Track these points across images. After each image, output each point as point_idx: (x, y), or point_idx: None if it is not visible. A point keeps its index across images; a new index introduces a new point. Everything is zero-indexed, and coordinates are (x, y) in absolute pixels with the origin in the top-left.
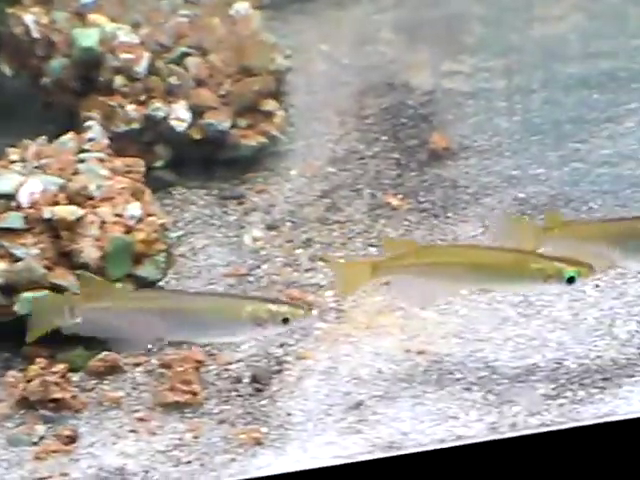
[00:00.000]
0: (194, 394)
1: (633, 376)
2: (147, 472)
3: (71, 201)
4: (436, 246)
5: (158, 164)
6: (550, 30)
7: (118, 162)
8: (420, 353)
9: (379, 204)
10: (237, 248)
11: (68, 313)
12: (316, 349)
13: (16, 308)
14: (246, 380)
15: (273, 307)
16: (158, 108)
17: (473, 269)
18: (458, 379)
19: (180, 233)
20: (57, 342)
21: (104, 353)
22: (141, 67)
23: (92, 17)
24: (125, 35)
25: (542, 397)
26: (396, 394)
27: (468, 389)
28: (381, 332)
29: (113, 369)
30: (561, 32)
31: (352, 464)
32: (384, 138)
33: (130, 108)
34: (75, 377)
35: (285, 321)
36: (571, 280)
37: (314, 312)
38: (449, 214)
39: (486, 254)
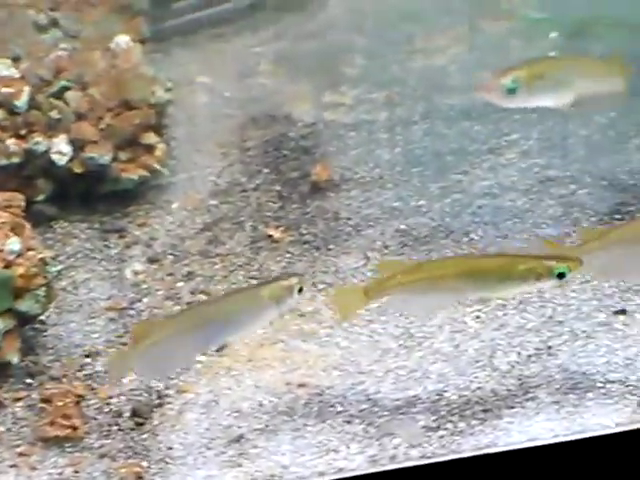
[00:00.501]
0: (74, 428)
1: (513, 407)
2: None
3: None
4: (425, 263)
5: (39, 198)
6: (431, 62)
7: None
8: (301, 386)
9: (261, 237)
10: (118, 282)
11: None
12: (197, 382)
13: None
14: (127, 414)
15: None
16: (39, 142)
17: (463, 279)
18: (339, 412)
19: (61, 267)
20: None
21: None
22: (21, 101)
23: None
24: (5, 69)
25: (423, 429)
26: (277, 427)
27: (349, 422)
28: (262, 365)
29: None
30: (442, 64)
31: None
32: (266, 170)
33: (10, 142)
34: None
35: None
36: (562, 276)
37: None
38: (331, 246)
39: (473, 263)
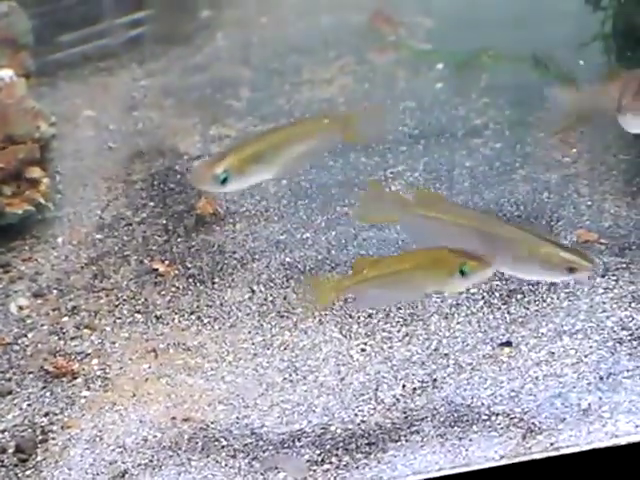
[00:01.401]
0: None
1: (398, 440)
2: None
3: None
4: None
5: None
6: (318, 93)
7: None
8: (186, 420)
9: (146, 270)
10: (3, 316)
11: None
12: (81, 417)
13: None
14: (11, 450)
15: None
16: None
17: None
18: (224, 446)
19: None
20: None
21: None
22: None
23: None
24: None
25: (308, 463)
26: (161, 462)
27: (233, 456)
28: (147, 400)
29: None
30: (329, 95)
31: None
32: (151, 204)
33: None
34: None
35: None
36: (462, 273)
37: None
38: (216, 280)
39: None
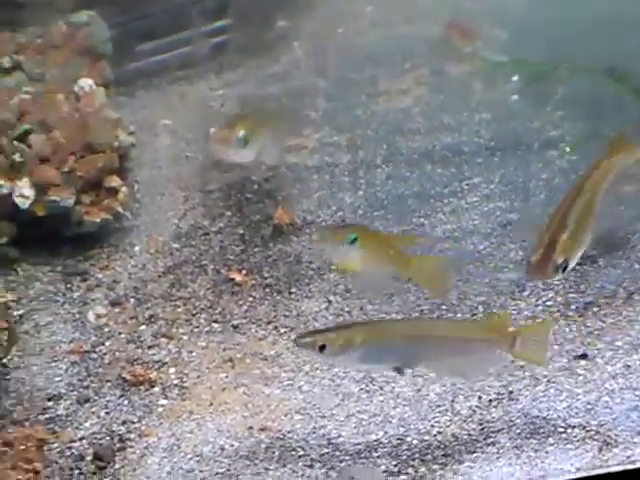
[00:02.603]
0: (36, 472)
1: (474, 452)
2: None
3: None
4: None
5: (1, 241)
6: (394, 104)
7: None
8: (263, 430)
9: (223, 280)
10: (81, 325)
11: None
12: (159, 426)
13: None
14: (89, 458)
15: None
16: (1, 185)
17: None
18: (300, 456)
19: (23, 310)
20: None
21: None
22: None
23: None
24: None
25: (384, 474)
26: (238, 471)
27: (310, 466)
28: (224, 409)
29: None
30: (405, 106)
31: None
32: (229, 213)
33: None
34: None
35: None
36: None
37: None
38: (293, 290)
39: None
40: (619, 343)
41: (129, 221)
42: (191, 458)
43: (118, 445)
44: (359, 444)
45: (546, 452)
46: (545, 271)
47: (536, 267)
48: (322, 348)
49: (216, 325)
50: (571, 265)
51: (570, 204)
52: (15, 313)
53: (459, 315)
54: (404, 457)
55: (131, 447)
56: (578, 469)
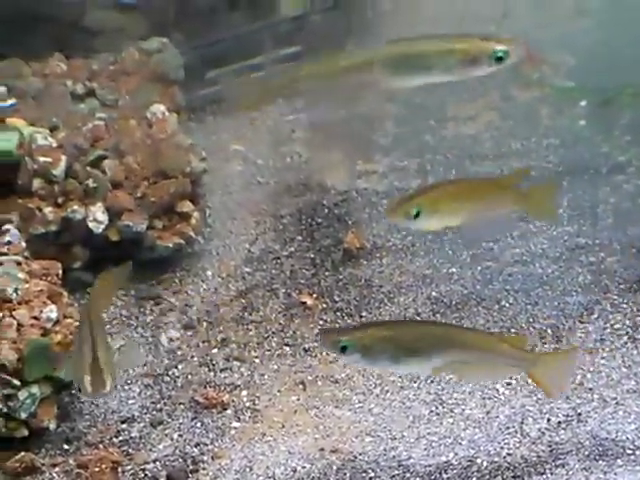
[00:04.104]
0: None
1: (543, 473)
2: None
3: None
4: None
5: (76, 265)
6: (463, 129)
7: (35, 265)
8: (334, 452)
9: (294, 304)
10: (154, 348)
11: None
12: (231, 448)
13: None
14: None
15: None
16: (75, 210)
17: None
18: (371, 478)
19: None
20: None
21: (21, 454)
22: (58, 170)
23: (10, 120)
24: (43, 138)
25: None
26: None
27: None
28: (296, 431)
29: (31, 469)
30: (474, 131)
31: None
32: (299, 238)
33: (48, 210)
34: None
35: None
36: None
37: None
38: (363, 313)
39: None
40: None
41: (201, 246)
42: None
43: (191, 467)
44: (429, 466)
45: (615, 474)
46: None
47: None
48: (344, 349)
49: (287, 348)
50: None
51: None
52: None
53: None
54: (474, 479)
55: (204, 469)
56: None
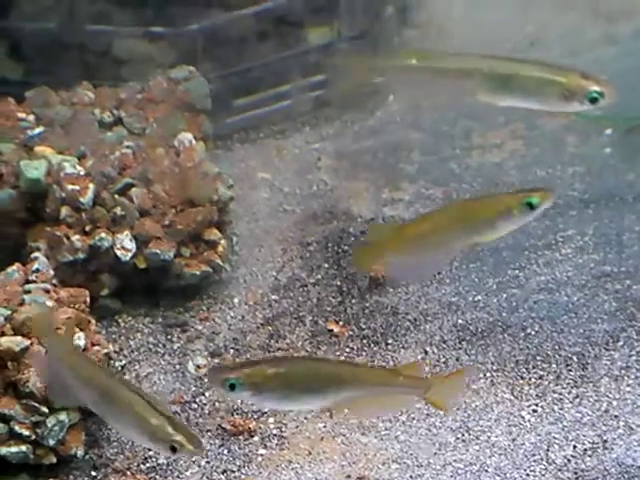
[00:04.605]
0: None
1: None
2: None
3: (16, 332)
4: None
5: (104, 293)
6: (488, 157)
7: (63, 292)
8: (360, 479)
9: (321, 331)
10: (181, 375)
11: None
12: (258, 475)
13: None
14: None
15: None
16: (103, 238)
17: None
18: None
19: (125, 362)
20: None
21: None
22: (86, 198)
23: (38, 149)
24: (71, 167)
25: None
26: None
27: None
28: (322, 458)
29: None
30: (499, 160)
31: None
32: (326, 265)
33: (75, 238)
34: None
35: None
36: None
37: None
38: (389, 340)
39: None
40: None
41: (228, 273)
42: None
43: None
44: None
45: None
46: None
47: None
48: (232, 387)
49: None
50: None
51: None
52: (117, 364)
53: (554, 365)
54: None
55: None
56: None
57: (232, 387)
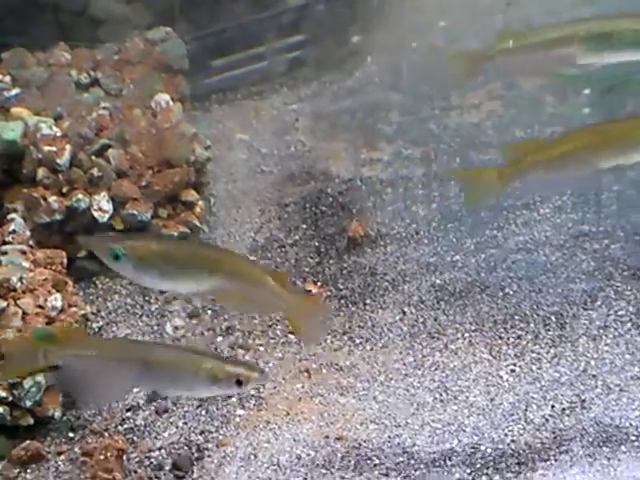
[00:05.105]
0: None
1: (547, 460)
2: None
3: None
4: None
5: (81, 254)
6: (466, 118)
7: (40, 254)
8: (339, 439)
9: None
10: (159, 337)
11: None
12: (236, 436)
13: None
14: (167, 467)
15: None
16: (80, 199)
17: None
18: (376, 465)
19: (102, 323)
20: None
21: (27, 442)
22: (63, 159)
23: (15, 110)
24: (47, 128)
25: None
26: None
27: (386, 474)
28: (300, 419)
29: (36, 458)
30: (477, 120)
31: None
32: (304, 226)
33: (52, 199)
34: None
35: (239, 383)
36: None
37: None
38: (367, 301)
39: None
40: None
41: (206, 234)
42: (268, 467)
43: (196, 455)
44: (434, 453)
45: (619, 460)
46: None
47: None
48: (117, 257)
49: (292, 336)
50: None
51: None
52: (94, 325)
53: (532, 325)
54: (478, 465)
55: (209, 457)
56: None
57: (116, 257)
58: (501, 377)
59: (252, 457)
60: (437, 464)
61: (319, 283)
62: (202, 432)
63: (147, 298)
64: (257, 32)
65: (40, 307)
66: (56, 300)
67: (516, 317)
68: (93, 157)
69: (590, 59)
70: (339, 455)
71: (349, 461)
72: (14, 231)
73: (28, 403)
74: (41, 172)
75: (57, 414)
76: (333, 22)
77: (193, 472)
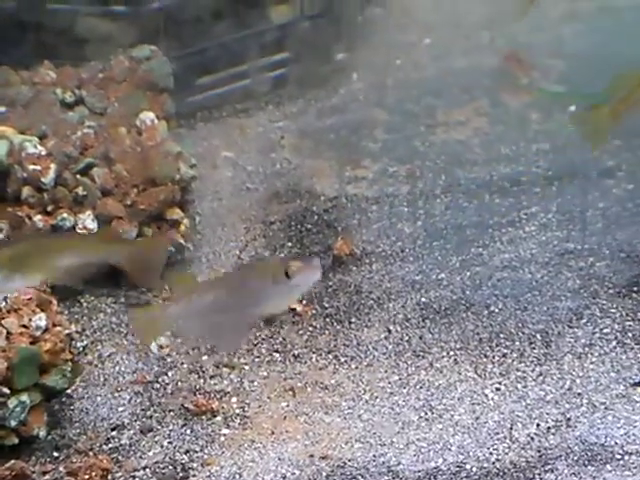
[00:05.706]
0: None
1: (532, 479)
2: None
3: None
4: None
5: None
6: (452, 135)
7: None
8: (323, 458)
9: (284, 310)
10: (144, 355)
11: None
12: (221, 455)
13: None
14: None
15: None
16: (65, 218)
17: None
18: None
19: (87, 342)
20: None
21: (11, 462)
22: (48, 178)
23: (0, 129)
24: (32, 146)
25: None
26: None
27: None
28: (285, 438)
29: (20, 477)
30: (463, 137)
31: None
32: (289, 244)
33: (37, 218)
34: None
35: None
36: None
37: None
38: (353, 319)
39: None
40: None
41: (191, 252)
42: None
43: (181, 474)
44: (419, 471)
45: (604, 479)
46: None
47: None
48: None
49: (277, 355)
50: None
51: None
52: (79, 344)
53: (517, 343)
54: None
55: (194, 476)
56: None
57: None
58: (486, 395)
59: (237, 476)
60: None
61: (304, 301)
62: (187, 451)
63: None
64: (242, 50)
65: (24, 327)
66: (40, 320)
67: (501, 335)
68: (78, 176)
69: None
70: (324, 474)
71: None
72: None
73: (13, 423)
74: (26, 191)
75: (42, 433)
76: (317, 40)
77: None
